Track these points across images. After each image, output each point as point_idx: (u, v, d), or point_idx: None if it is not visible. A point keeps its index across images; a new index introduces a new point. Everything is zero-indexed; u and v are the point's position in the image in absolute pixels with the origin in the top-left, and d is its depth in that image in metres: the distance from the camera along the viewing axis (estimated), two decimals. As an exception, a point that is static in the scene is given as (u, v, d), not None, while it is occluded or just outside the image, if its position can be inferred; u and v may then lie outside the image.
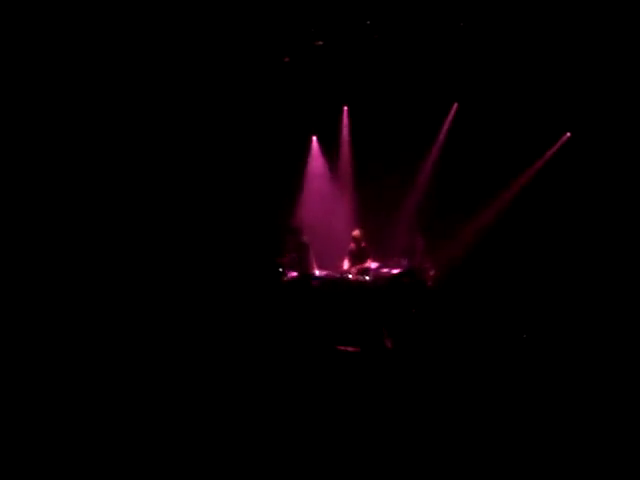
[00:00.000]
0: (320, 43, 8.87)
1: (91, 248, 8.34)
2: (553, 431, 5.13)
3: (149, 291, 8.03)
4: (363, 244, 9.14)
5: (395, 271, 8.69)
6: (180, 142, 9.25)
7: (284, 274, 8.90)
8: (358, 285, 8.61)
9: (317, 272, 8.88)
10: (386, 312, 8.29)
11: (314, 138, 10.43)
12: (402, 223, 9.82)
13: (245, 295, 8.30)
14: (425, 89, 9.41)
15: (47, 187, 8.17)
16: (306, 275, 8.87)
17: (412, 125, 9.64)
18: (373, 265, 9.07)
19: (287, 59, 9.27)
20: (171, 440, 4.69)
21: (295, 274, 8.87)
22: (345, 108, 10.21)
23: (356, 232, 9.17)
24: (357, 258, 9.07)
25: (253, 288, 8.47)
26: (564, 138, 9.34)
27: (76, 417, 4.89)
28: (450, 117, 9.80)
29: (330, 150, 10.42)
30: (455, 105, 9.74)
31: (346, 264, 9.12)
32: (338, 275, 8.91)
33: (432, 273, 8.77)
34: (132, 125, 8.75)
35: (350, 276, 8.80)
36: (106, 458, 4.37)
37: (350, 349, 7.60)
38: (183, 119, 9.19)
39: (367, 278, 8.66)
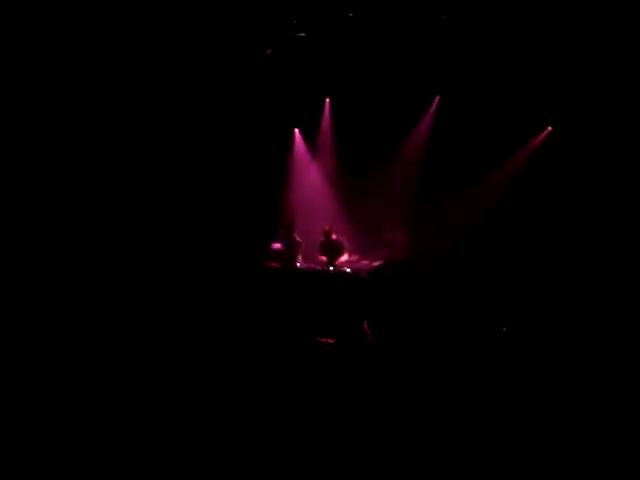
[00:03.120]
0: (302, 35, 8.85)
1: (77, 242, 8.33)
2: (531, 422, 5.19)
3: (134, 282, 8.06)
4: (334, 237, 9.15)
5: (376, 263, 8.71)
6: (163, 137, 9.21)
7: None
8: (339, 277, 8.63)
9: (299, 264, 8.88)
10: (366, 304, 8.34)
11: (296, 130, 10.40)
12: (384, 215, 9.83)
13: (228, 287, 8.31)
14: (408, 81, 9.40)
15: (37, 184, 8.15)
16: (289, 268, 8.87)
17: (394, 117, 9.65)
18: (353, 258, 9.10)
19: (269, 51, 9.24)
20: (156, 428, 4.74)
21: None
22: (327, 100, 10.18)
23: (326, 226, 9.18)
24: (329, 251, 9.08)
25: (236, 280, 8.48)
26: (546, 132, 9.39)
27: (73, 416, 4.91)
28: (432, 109, 9.80)
29: (312, 142, 10.38)
30: (437, 97, 9.75)
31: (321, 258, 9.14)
32: (319, 267, 8.91)
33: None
34: (110, 124, 8.70)
35: (331, 268, 8.81)
36: (102, 457, 4.39)
37: (330, 340, 7.64)
38: (165, 114, 9.14)
39: (347, 270, 8.67)
